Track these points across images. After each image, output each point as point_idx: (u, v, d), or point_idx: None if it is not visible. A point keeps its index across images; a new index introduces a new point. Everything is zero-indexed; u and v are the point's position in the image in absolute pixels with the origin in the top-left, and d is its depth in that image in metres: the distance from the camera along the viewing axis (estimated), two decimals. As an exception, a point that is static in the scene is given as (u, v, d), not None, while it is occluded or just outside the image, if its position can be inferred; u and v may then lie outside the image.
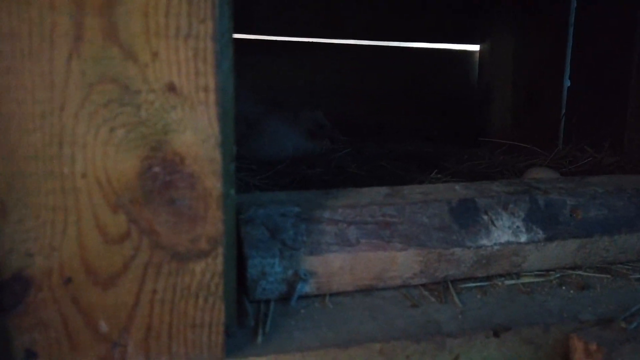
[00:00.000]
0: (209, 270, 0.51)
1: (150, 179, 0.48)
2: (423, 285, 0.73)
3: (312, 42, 1.89)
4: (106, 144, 0.46)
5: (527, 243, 0.76)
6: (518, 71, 1.92)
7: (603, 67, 1.64)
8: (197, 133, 0.48)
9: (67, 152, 0.46)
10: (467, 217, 0.75)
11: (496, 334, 0.61)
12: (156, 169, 0.48)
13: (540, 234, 0.77)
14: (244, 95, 1.66)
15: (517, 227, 0.76)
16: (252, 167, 1.34)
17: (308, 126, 1.68)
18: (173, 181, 0.48)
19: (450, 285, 0.72)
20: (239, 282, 0.67)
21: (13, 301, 0.47)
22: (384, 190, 0.78)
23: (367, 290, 0.71)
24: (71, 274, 0.48)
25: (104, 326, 0.49)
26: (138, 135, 0.47)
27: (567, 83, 1.81)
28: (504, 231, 0.76)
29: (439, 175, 1.13)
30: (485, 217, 0.76)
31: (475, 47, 2.14)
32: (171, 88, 0.47)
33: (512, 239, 0.75)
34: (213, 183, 0.50)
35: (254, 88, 1.69)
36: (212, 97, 0.48)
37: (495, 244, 0.74)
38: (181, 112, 0.47)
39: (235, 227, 0.62)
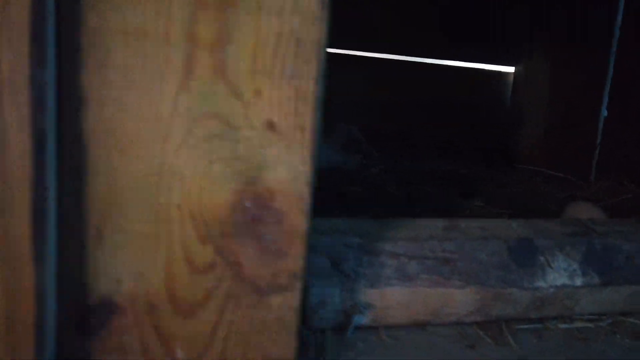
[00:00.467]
0: (286, 304, 0.51)
1: (241, 212, 0.48)
2: (477, 323, 0.73)
3: (347, 55, 1.89)
4: (203, 177, 0.47)
5: (582, 287, 0.76)
6: (553, 96, 1.90)
7: (643, 99, 1.63)
8: (290, 171, 0.48)
9: (166, 182, 0.46)
10: (525, 257, 0.75)
11: (559, 384, 0.61)
12: (247, 204, 0.48)
13: (596, 279, 0.76)
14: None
15: (574, 269, 0.76)
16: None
17: (342, 140, 1.68)
18: (262, 216, 0.49)
19: (504, 326, 0.72)
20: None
21: (98, 325, 0.47)
22: (440, 222, 0.78)
23: (422, 325, 0.71)
24: (155, 301, 0.48)
25: (180, 354, 0.50)
26: (234, 170, 0.47)
27: (605, 113, 1.79)
28: (560, 273, 0.75)
29: (482, 204, 1.13)
30: (542, 258, 0.76)
31: (510, 69, 2.13)
32: (270, 126, 0.47)
33: (568, 282, 0.75)
34: (300, 220, 0.50)
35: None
36: (307, 136, 0.48)
37: (551, 286, 0.74)
38: (277, 150, 0.48)
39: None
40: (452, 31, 1.98)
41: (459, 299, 0.71)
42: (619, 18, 1.72)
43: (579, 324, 0.75)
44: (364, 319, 0.69)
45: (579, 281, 0.76)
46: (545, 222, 0.83)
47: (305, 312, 0.66)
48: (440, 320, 0.72)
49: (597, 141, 1.79)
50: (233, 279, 0.50)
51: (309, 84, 0.47)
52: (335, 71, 1.91)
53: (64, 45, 0.42)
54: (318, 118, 0.52)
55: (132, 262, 0.47)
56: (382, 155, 1.69)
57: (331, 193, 1.28)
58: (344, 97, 1.91)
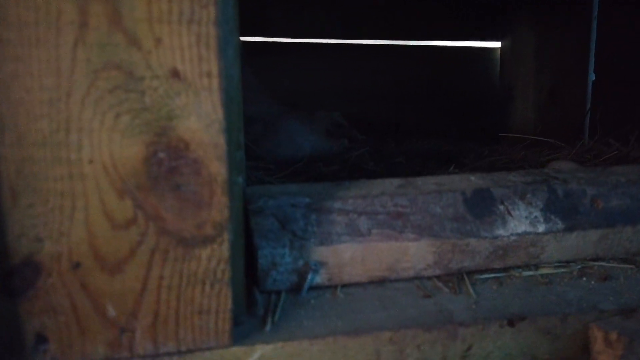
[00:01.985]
0: (215, 256, 0.51)
1: (156, 164, 0.48)
2: (437, 276, 0.72)
3: (328, 43, 1.89)
4: (112, 130, 0.47)
5: (545, 233, 0.74)
6: (540, 67, 1.88)
7: (629, 59, 1.60)
8: (201, 119, 0.48)
9: (74, 138, 0.46)
10: (482, 207, 0.73)
11: (511, 324, 0.59)
12: (161, 155, 0.48)
13: (559, 224, 0.75)
14: (261, 97, 1.67)
15: (535, 217, 0.74)
16: (270, 166, 1.35)
17: (325, 126, 1.68)
18: (178, 167, 0.49)
19: (465, 277, 0.71)
20: (250, 274, 0.67)
21: (23, 286, 0.48)
22: (396, 181, 0.77)
23: (380, 282, 0.70)
24: (79, 259, 0.49)
25: (111, 311, 0.50)
26: (143, 121, 0.47)
27: (592, 77, 1.76)
28: (521, 221, 0.74)
29: (456, 170, 1.12)
30: (502, 207, 0.74)
31: (496, 44, 2.11)
32: (175, 74, 0.47)
33: (530, 229, 0.73)
34: (218, 169, 0.50)
35: (272, 90, 1.70)
36: (215, 82, 0.48)
37: (512, 234, 0.73)
38: (185, 98, 0.48)
39: (243, 216, 0.62)
40: (432, 9, 1.97)
41: (413, 253, 0.70)
42: (596, -22, 1.69)
43: (544, 271, 0.73)
44: (318, 278, 0.68)
45: (541, 228, 0.74)
46: (506, 174, 0.81)
47: (257, 275, 0.66)
48: (398, 275, 0.71)
49: (587, 107, 1.76)
50: (157, 233, 0.50)
51: (209, 29, 0.47)
52: (315, 60, 1.91)
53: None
54: (237, 67, 0.52)
55: (50, 220, 0.47)
56: (367, 139, 1.68)
57: (310, 175, 1.28)
58: (325, 85, 1.92)
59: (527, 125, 1.89)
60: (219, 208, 0.50)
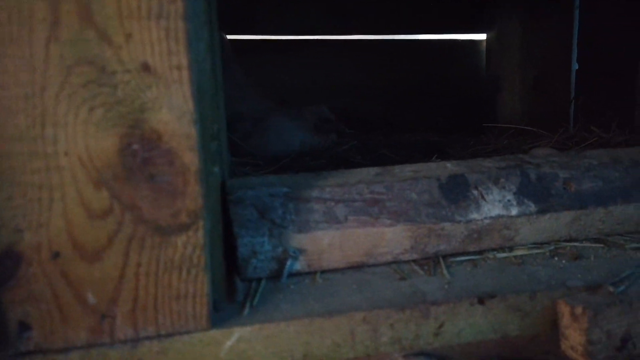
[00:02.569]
0: (191, 243, 0.53)
1: (130, 155, 0.50)
2: (414, 261, 0.74)
3: (314, 40, 1.91)
4: (86, 123, 0.49)
5: (518, 216, 0.76)
6: (526, 58, 1.90)
7: (610, 47, 1.62)
8: (173, 110, 0.50)
9: (50, 132, 0.48)
10: (457, 192, 0.75)
11: (481, 301, 0.61)
12: (135, 146, 0.50)
13: (532, 207, 0.77)
14: (250, 94, 1.69)
15: (508, 200, 0.76)
16: (259, 162, 1.36)
17: (313, 121, 1.69)
18: (152, 157, 0.51)
19: (441, 260, 0.73)
20: (231, 262, 0.69)
21: (5, 276, 0.50)
22: (374, 170, 0.79)
23: (358, 267, 0.72)
24: (59, 248, 0.50)
25: (92, 299, 0.52)
26: (116, 114, 0.49)
27: (576, 67, 1.78)
28: (495, 205, 0.76)
29: (439, 160, 1.14)
30: (475, 192, 0.76)
31: (482, 36, 2.13)
32: (145, 68, 0.49)
33: (503, 212, 0.76)
34: (191, 159, 0.52)
35: (260, 87, 1.72)
36: (185, 75, 0.50)
37: (485, 218, 0.75)
38: (156, 91, 0.50)
39: (222, 205, 0.64)
40: (418, 3, 1.99)
41: (390, 238, 0.72)
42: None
43: (518, 252, 0.76)
44: (297, 265, 0.70)
45: (514, 211, 0.76)
46: (482, 160, 0.83)
47: (238, 263, 0.68)
48: (376, 260, 0.73)
49: (571, 95, 1.79)
50: (134, 222, 0.52)
51: (178, 23, 0.49)
52: (303, 56, 1.93)
53: None
54: (208, 60, 0.54)
55: (29, 212, 0.49)
56: (355, 133, 1.70)
57: (298, 170, 1.30)
58: (313, 81, 1.93)
59: (514, 115, 1.91)
60: (193, 197, 0.52)
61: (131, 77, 0.49)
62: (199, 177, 0.52)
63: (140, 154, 0.50)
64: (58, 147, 0.49)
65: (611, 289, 0.62)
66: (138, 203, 0.51)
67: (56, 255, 0.50)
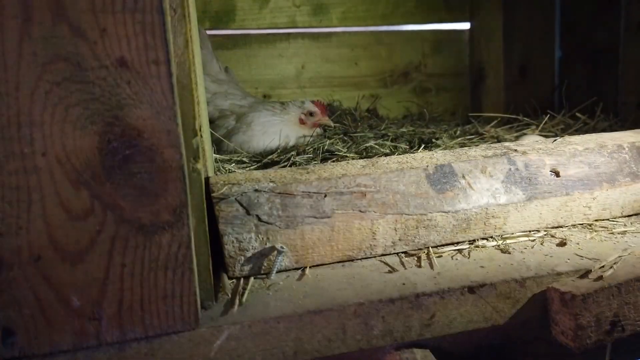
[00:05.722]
0: (175, 241, 0.52)
1: (110, 154, 0.49)
2: (404, 252, 0.73)
3: (297, 33, 1.90)
4: (63, 122, 0.48)
5: (506, 204, 0.76)
6: (509, 46, 1.90)
7: (592, 33, 1.63)
8: (152, 106, 0.49)
9: (26, 132, 0.47)
10: (444, 182, 0.75)
11: (471, 291, 0.61)
12: (114, 144, 0.49)
13: (520, 195, 0.77)
14: (233, 90, 1.67)
15: (496, 189, 0.76)
16: (244, 159, 1.35)
17: (297, 115, 1.68)
18: (132, 155, 0.50)
19: (430, 251, 0.73)
20: (219, 260, 0.68)
21: (-15, 281, 0.48)
22: (360, 162, 0.79)
23: (348, 261, 0.71)
24: (39, 251, 0.49)
25: (76, 302, 0.51)
26: (93, 111, 0.48)
27: (559, 54, 1.79)
28: (483, 194, 0.76)
29: (426, 151, 1.13)
30: (463, 181, 0.76)
31: (466, 26, 2.12)
32: (122, 63, 0.48)
33: (491, 201, 0.75)
34: (172, 155, 0.50)
35: (241, 82, 1.70)
36: (163, 69, 0.49)
37: (474, 207, 0.75)
38: (134, 86, 0.48)
39: (206, 202, 0.63)
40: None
41: (379, 230, 0.71)
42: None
43: (508, 241, 0.75)
44: (286, 261, 0.69)
45: (502, 199, 0.76)
46: (468, 150, 0.83)
47: (225, 261, 0.67)
48: (366, 253, 0.72)
49: (555, 83, 1.80)
50: (116, 222, 0.51)
51: (154, 17, 0.48)
52: (286, 49, 1.91)
53: None
54: (187, 54, 0.53)
55: (8, 215, 0.48)
56: (341, 126, 1.69)
57: (283, 165, 1.29)
58: (297, 74, 1.92)
59: (499, 104, 1.92)
60: (176, 194, 0.51)
61: (107, 73, 0.48)
62: (181, 174, 0.51)
63: (120, 151, 0.49)
64: (35, 148, 0.47)
65: (599, 273, 0.62)
66: (119, 202, 0.50)
67: (37, 258, 0.49)
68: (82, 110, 0.48)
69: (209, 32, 1.70)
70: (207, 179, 0.69)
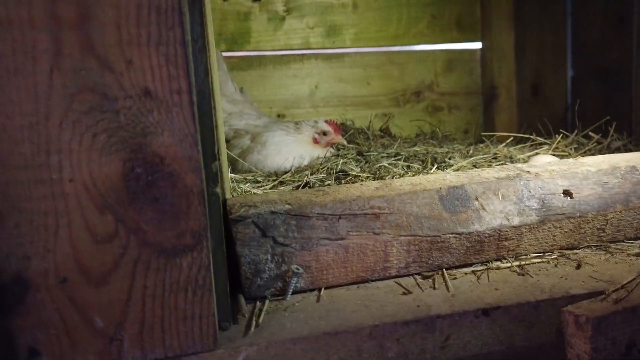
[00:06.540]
0: (196, 264, 0.54)
1: (134, 179, 0.51)
2: (418, 273, 0.74)
3: (310, 54, 1.93)
4: (90, 149, 0.50)
5: (520, 226, 0.76)
6: (520, 65, 1.92)
7: (604, 52, 1.63)
8: (174, 133, 0.51)
9: (55, 159, 0.49)
10: (457, 203, 0.76)
11: (485, 313, 0.61)
12: (138, 170, 0.51)
13: (533, 217, 0.77)
14: (248, 110, 1.70)
15: (509, 210, 0.77)
16: (258, 178, 1.37)
17: (311, 134, 1.70)
18: (155, 180, 0.51)
19: (444, 272, 0.73)
20: (235, 282, 0.69)
21: (14, 302, 0.50)
22: (374, 184, 0.80)
23: (362, 282, 0.72)
24: (66, 274, 0.51)
25: (99, 322, 0.52)
26: (119, 139, 0.50)
27: (571, 73, 1.80)
28: (496, 215, 0.76)
29: (439, 171, 1.14)
30: (477, 203, 0.77)
31: (477, 45, 2.14)
32: (146, 93, 0.50)
33: (505, 222, 0.76)
34: (193, 180, 0.52)
35: (256, 102, 1.73)
36: (185, 99, 0.51)
37: (487, 229, 0.75)
38: (157, 115, 0.50)
39: (224, 225, 0.65)
40: (416, 15, 2.01)
41: (392, 252, 0.72)
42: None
43: (522, 262, 0.76)
44: (301, 282, 0.70)
45: (515, 221, 0.77)
46: (481, 171, 0.84)
47: (242, 283, 0.68)
48: (379, 275, 0.73)
49: (567, 101, 1.80)
50: (139, 245, 0.52)
51: (177, 49, 0.50)
52: (296, 70, 1.94)
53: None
54: (208, 83, 0.55)
55: (36, 239, 0.50)
56: (355, 146, 1.71)
57: (297, 185, 1.30)
58: (311, 94, 1.95)
59: (512, 122, 1.92)
60: (197, 217, 0.53)
61: (133, 102, 0.50)
62: (202, 198, 0.53)
63: (144, 177, 0.51)
64: (63, 174, 0.49)
65: (614, 296, 0.62)
66: (142, 226, 0.52)
67: (63, 280, 0.51)
68: (108, 138, 0.50)
69: (224, 53, 1.74)
70: (224, 200, 0.70)
